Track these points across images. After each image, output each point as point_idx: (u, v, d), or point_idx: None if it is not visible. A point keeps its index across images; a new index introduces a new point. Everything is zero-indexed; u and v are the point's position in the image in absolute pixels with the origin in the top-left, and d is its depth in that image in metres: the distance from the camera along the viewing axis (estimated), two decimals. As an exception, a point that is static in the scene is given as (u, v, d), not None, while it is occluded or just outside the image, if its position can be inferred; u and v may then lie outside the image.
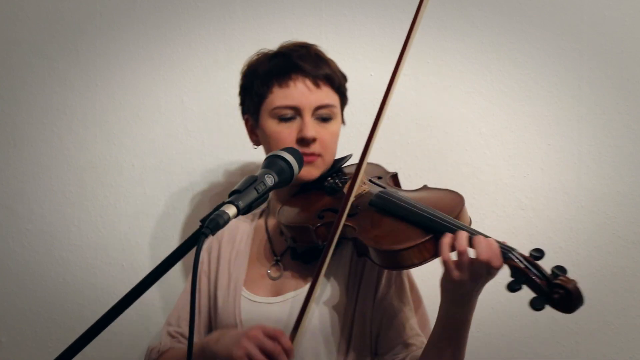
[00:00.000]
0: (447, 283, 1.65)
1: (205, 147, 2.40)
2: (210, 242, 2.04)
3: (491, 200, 2.30)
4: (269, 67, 1.93)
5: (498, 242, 1.64)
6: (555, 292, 1.55)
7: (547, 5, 2.29)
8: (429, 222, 1.68)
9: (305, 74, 1.90)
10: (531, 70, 2.30)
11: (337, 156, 1.97)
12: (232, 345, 1.70)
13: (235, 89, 2.39)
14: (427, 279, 1.91)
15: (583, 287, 2.23)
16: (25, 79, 2.43)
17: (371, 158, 1.84)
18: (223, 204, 1.51)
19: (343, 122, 1.99)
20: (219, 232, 2.02)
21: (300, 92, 1.89)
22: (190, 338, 1.45)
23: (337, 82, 1.94)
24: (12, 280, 2.43)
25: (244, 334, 1.69)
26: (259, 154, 1.76)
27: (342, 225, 1.72)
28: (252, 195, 1.55)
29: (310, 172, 1.88)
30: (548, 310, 2.27)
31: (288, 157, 1.67)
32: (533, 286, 1.59)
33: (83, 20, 2.42)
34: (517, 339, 2.28)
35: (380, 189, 1.85)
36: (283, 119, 1.90)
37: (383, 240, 1.71)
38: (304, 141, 1.87)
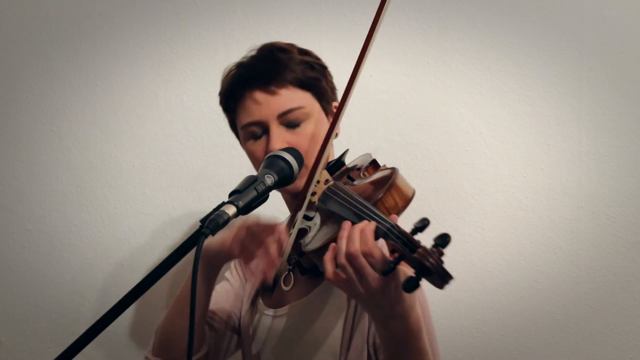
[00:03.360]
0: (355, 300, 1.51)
1: (205, 147, 2.40)
2: None
3: (491, 200, 2.30)
4: (225, 89, 1.83)
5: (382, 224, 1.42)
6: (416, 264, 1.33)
7: (547, 5, 2.29)
8: (346, 215, 1.51)
9: (255, 86, 1.76)
10: (531, 70, 2.29)
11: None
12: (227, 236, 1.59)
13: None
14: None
15: (583, 287, 2.27)
16: (25, 79, 2.43)
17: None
18: (223, 204, 1.52)
19: (332, 114, 1.83)
20: None
21: (255, 106, 1.75)
22: (191, 338, 1.45)
23: (301, 78, 1.77)
24: (12, 280, 2.43)
25: (240, 224, 1.59)
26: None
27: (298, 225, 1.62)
28: (252, 195, 1.55)
29: (295, 184, 1.71)
30: (548, 310, 2.29)
31: (288, 157, 1.67)
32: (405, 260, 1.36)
33: (83, 20, 2.42)
34: (517, 339, 2.28)
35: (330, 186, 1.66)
36: (254, 137, 1.78)
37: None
38: None
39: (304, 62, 1.79)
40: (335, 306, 1.75)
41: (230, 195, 1.55)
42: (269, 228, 1.57)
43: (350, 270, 1.42)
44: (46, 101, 2.43)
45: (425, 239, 1.37)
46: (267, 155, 1.70)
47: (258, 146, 1.78)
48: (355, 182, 1.69)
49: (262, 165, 1.68)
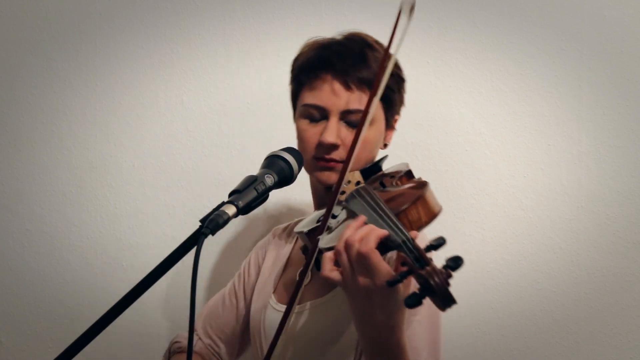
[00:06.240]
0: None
1: (205, 147, 2.40)
2: (265, 246, 2.02)
3: (491, 200, 2.30)
4: (305, 61, 1.81)
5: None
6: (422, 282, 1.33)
7: (547, 5, 2.29)
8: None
9: (336, 73, 1.75)
10: (531, 70, 2.29)
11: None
12: None
13: (234, 89, 2.40)
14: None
15: (583, 287, 2.27)
16: (25, 79, 2.43)
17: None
18: (223, 204, 1.52)
19: (391, 127, 1.87)
20: (271, 236, 2.03)
21: (328, 94, 1.76)
22: (190, 338, 1.45)
23: None
24: (12, 280, 2.43)
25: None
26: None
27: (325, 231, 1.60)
28: (252, 195, 1.55)
29: (330, 177, 1.77)
30: (548, 310, 2.29)
31: (288, 157, 1.67)
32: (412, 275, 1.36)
33: (83, 20, 2.42)
34: (517, 339, 2.28)
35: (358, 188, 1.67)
36: (311, 119, 1.79)
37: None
38: (322, 145, 1.76)
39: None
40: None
41: (230, 195, 1.55)
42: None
43: (344, 258, 1.44)
44: (46, 101, 2.43)
45: (439, 257, 1.36)
46: (267, 155, 1.70)
47: (311, 129, 1.79)
48: (386, 189, 1.69)
49: (262, 165, 1.68)
